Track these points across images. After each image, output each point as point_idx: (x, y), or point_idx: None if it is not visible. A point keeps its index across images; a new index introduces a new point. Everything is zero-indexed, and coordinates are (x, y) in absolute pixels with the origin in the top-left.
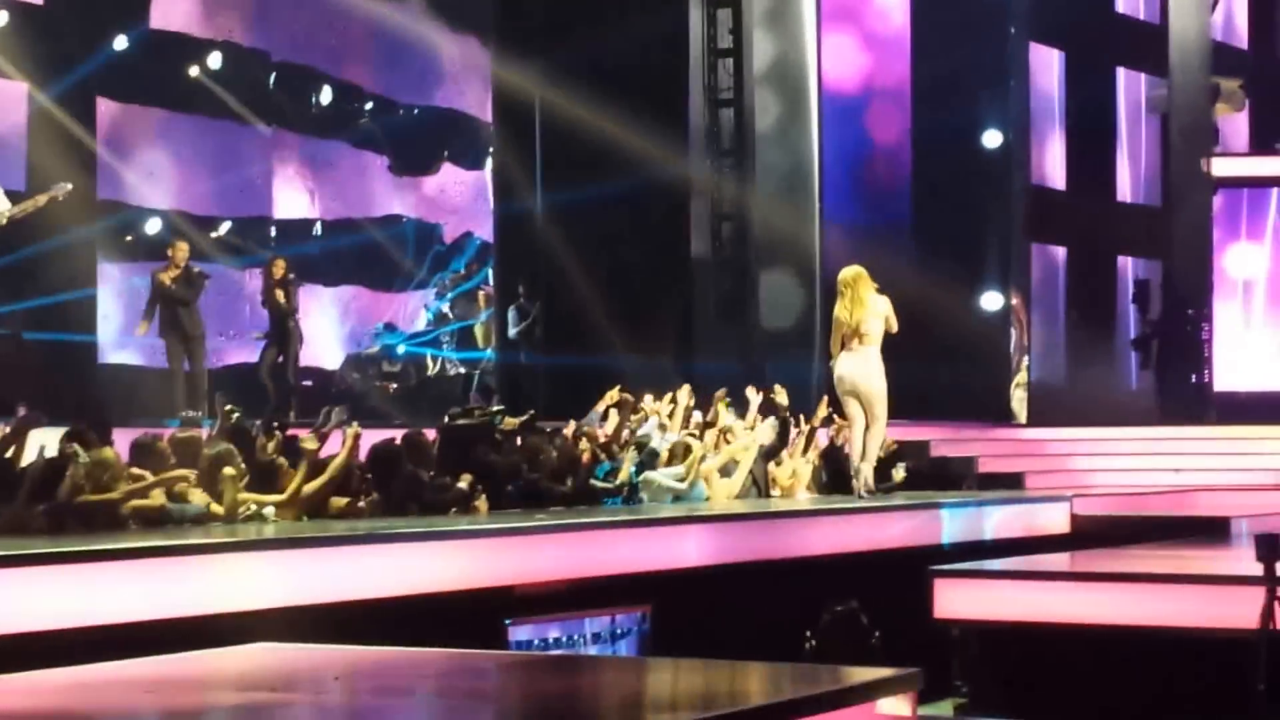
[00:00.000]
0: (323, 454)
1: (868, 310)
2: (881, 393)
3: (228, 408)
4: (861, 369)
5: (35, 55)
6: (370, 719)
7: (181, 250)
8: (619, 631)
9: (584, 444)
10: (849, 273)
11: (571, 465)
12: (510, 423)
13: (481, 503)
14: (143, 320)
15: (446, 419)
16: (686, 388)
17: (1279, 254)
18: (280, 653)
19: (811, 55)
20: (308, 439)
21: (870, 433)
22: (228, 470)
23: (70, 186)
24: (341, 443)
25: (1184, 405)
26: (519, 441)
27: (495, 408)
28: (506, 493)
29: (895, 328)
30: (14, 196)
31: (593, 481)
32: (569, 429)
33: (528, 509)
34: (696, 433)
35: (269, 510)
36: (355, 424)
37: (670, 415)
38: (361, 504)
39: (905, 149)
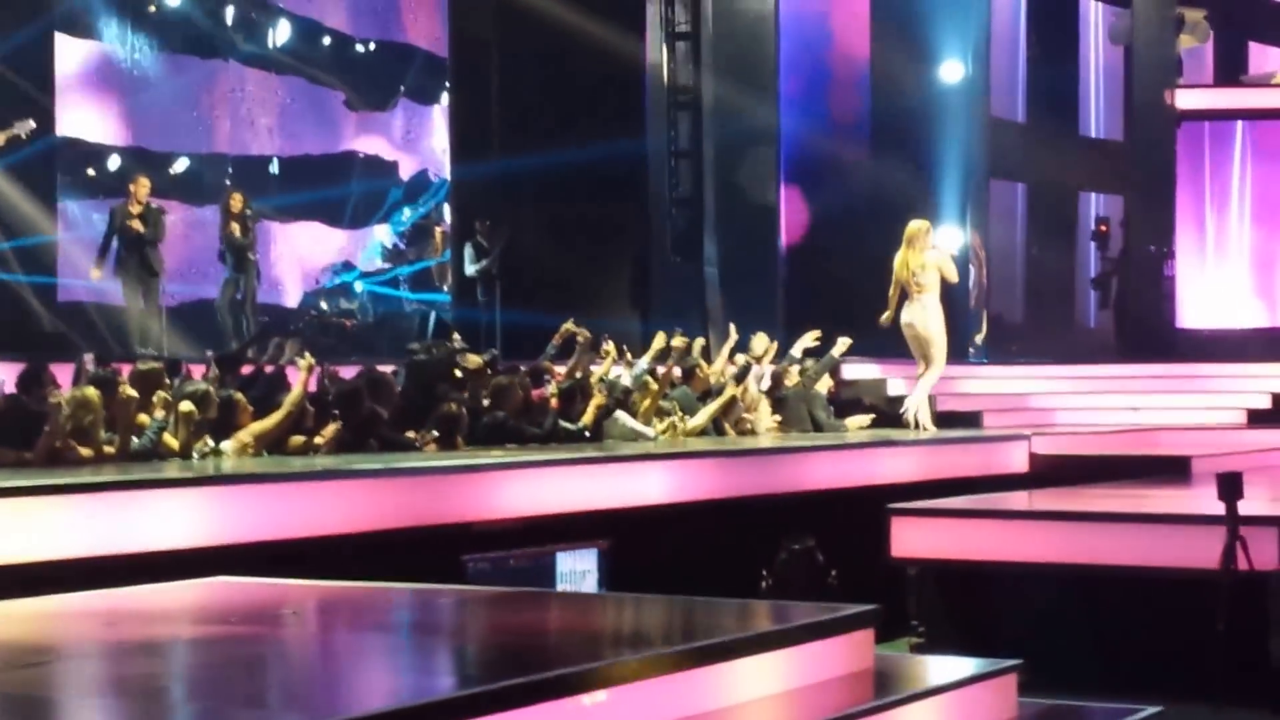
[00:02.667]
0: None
1: (924, 262)
2: (936, 338)
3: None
4: (919, 316)
5: None
6: (326, 652)
7: (143, 187)
8: (577, 568)
9: (552, 387)
10: (910, 226)
11: (539, 404)
12: (473, 360)
13: (431, 445)
14: (96, 264)
15: (408, 355)
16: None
17: (1245, 191)
18: (237, 587)
19: None
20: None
21: (925, 375)
22: (184, 407)
23: (33, 124)
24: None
25: (1145, 343)
26: (488, 380)
27: (456, 345)
28: (474, 431)
29: (954, 278)
30: None
31: (561, 422)
32: (525, 368)
33: (498, 447)
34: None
35: (226, 446)
36: (308, 355)
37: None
38: (319, 440)
39: (864, 83)
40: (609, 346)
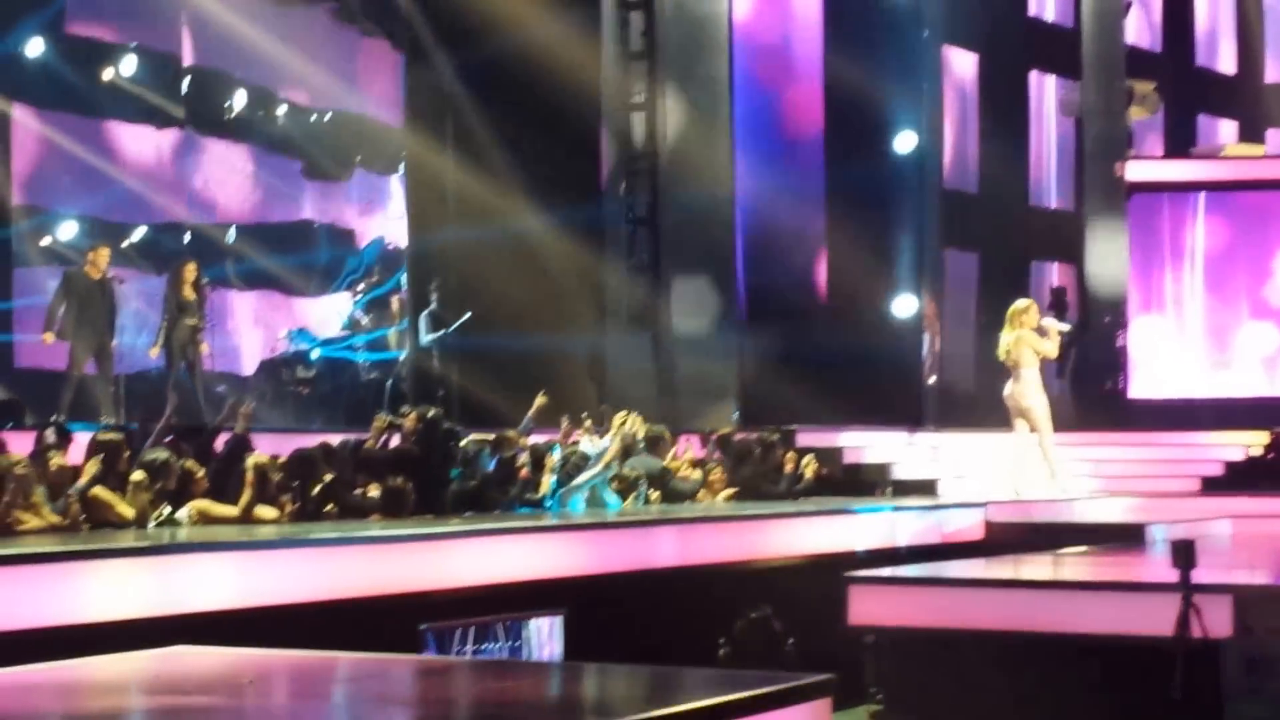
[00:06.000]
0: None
1: (1019, 340)
2: (1033, 410)
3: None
4: (1016, 389)
5: None
6: None
7: (103, 255)
8: (534, 637)
9: (523, 458)
10: (1012, 307)
11: (509, 473)
12: (410, 420)
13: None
14: (50, 329)
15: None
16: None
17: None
18: (196, 656)
19: (723, 58)
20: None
21: (1040, 443)
22: (136, 476)
23: None
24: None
25: (1098, 413)
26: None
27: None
28: (440, 499)
29: (1045, 353)
30: None
31: (527, 494)
32: (511, 436)
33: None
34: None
35: (182, 514)
36: (248, 402)
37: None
38: (279, 513)
39: (818, 153)
40: (585, 421)
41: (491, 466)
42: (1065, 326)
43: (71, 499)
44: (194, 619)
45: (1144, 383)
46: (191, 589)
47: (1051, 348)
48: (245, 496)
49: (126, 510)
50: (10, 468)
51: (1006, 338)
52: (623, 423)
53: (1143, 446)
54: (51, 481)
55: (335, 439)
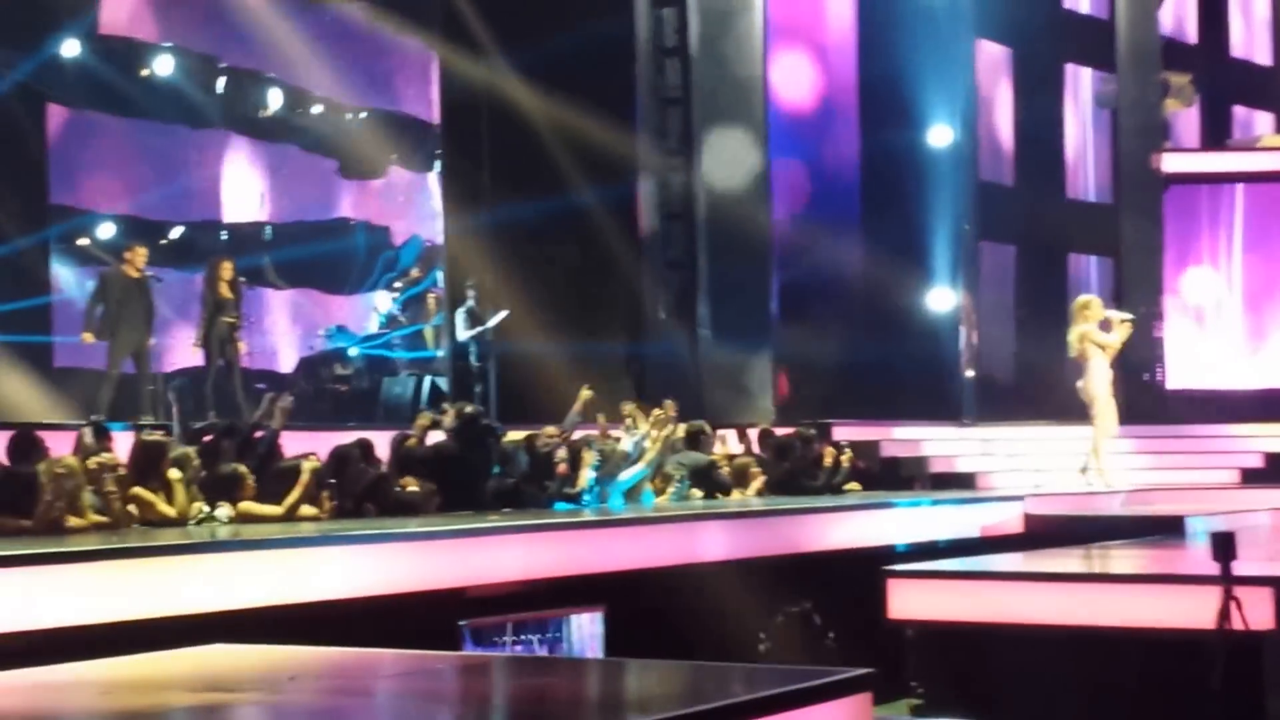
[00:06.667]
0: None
1: (1082, 333)
2: (1096, 400)
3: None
4: (1084, 381)
5: None
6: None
7: (140, 254)
8: (574, 632)
9: (561, 454)
10: (1075, 303)
11: (546, 469)
12: (450, 417)
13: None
14: (89, 329)
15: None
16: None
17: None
18: (236, 654)
19: (758, 55)
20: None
21: (1092, 435)
22: (174, 474)
23: None
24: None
25: (1136, 404)
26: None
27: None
28: (480, 495)
29: (1111, 347)
30: None
31: (565, 489)
32: (551, 432)
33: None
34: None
35: (221, 513)
36: (286, 397)
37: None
38: (319, 511)
39: (854, 146)
40: (629, 408)
41: (526, 462)
42: (1129, 317)
43: (113, 497)
44: (234, 616)
45: (1182, 374)
46: (232, 586)
47: (1113, 340)
48: (293, 496)
49: (168, 509)
50: (56, 469)
51: (1071, 333)
52: (661, 415)
53: (1181, 438)
54: (91, 481)
55: (374, 436)
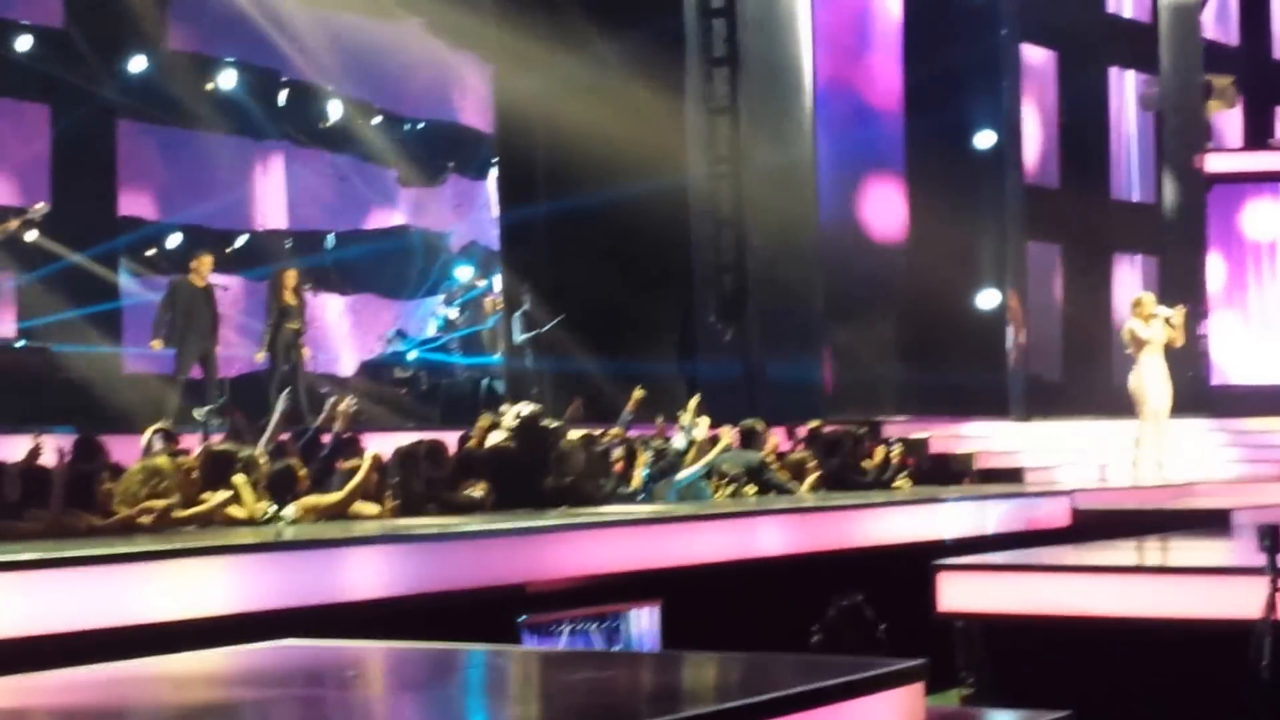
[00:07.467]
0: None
1: (1129, 331)
2: (1144, 397)
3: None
4: (1133, 377)
5: (56, 77)
6: (391, 714)
7: (206, 263)
8: (632, 627)
9: (617, 452)
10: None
11: (602, 467)
12: (510, 417)
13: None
14: (158, 336)
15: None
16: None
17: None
18: (302, 650)
19: (806, 58)
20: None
21: (1141, 428)
22: (238, 479)
23: (45, 206)
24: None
25: (1182, 399)
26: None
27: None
28: (538, 495)
29: (1152, 341)
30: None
31: (620, 489)
32: (612, 432)
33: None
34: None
35: (289, 511)
36: (349, 398)
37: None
38: (381, 509)
39: (899, 149)
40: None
41: (583, 461)
42: (1173, 314)
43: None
44: (299, 613)
45: (1226, 370)
46: (296, 584)
47: (1153, 334)
48: (353, 484)
49: (237, 511)
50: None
51: (1124, 330)
52: (696, 410)
53: (1226, 433)
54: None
55: (435, 438)
